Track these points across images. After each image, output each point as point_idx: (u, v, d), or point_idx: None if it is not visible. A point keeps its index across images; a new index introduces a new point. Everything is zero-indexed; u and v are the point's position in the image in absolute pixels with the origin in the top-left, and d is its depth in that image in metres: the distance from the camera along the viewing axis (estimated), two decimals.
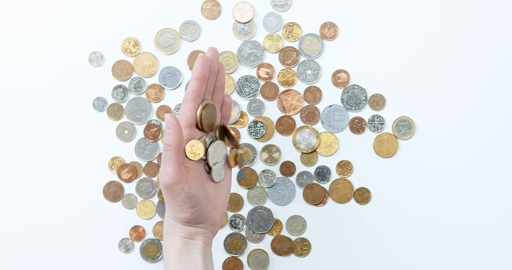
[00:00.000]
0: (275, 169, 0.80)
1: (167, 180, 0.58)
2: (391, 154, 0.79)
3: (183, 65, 0.80)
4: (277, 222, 0.80)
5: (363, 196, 0.79)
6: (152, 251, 0.80)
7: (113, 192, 0.81)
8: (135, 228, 0.80)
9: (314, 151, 0.80)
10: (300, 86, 0.80)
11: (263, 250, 0.80)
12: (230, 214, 0.80)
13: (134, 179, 0.80)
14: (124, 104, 0.80)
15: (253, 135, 0.79)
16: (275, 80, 0.80)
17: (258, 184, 0.80)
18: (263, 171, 0.79)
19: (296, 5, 0.80)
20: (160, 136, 0.80)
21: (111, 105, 0.81)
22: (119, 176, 0.80)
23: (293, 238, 0.80)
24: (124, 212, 0.81)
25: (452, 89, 0.79)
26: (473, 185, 0.79)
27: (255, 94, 0.79)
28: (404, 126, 0.79)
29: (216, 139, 0.63)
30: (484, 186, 0.79)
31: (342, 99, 0.79)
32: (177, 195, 0.59)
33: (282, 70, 0.80)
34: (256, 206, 0.80)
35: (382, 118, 0.79)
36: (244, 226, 0.80)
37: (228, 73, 0.80)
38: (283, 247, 0.79)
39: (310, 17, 0.80)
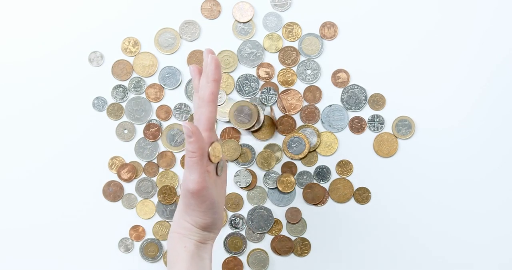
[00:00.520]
0: (276, 168, 0.80)
1: (194, 187, 0.57)
2: (391, 154, 0.79)
3: (183, 65, 0.80)
4: (277, 222, 0.80)
5: (363, 195, 0.79)
6: (152, 251, 0.80)
7: (113, 192, 0.81)
8: (135, 228, 0.80)
9: (314, 150, 0.80)
10: (300, 86, 0.80)
11: (263, 250, 0.80)
12: (230, 213, 0.80)
13: (134, 178, 0.80)
14: (124, 104, 0.80)
15: (264, 101, 0.78)
16: (275, 80, 0.80)
17: (261, 185, 0.80)
18: (267, 171, 0.79)
19: (296, 5, 0.80)
20: (160, 136, 0.80)
21: (111, 105, 0.81)
22: (119, 176, 0.80)
23: (293, 237, 0.80)
24: (124, 212, 0.81)
25: (452, 89, 0.79)
26: (474, 184, 0.79)
27: (255, 93, 0.79)
28: (404, 126, 0.79)
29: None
30: (484, 183, 0.79)
31: (342, 99, 0.79)
32: (203, 202, 0.58)
33: (282, 70, 0.80)
34: (256, 206, 0.80)
35: (382, 118, 0.79)
36: (244, 226, 0.80)
37: (228, 73, 0.80)
38: (283, 246, 0.79)
39: (310, 17, 0.80)
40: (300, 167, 0.80)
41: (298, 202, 0.80)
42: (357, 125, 0.79)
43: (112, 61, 0.81)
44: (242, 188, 0.80)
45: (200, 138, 0.57)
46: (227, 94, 0.79)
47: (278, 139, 0.80)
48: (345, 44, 0.79)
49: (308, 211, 0.80)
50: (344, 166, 0.79)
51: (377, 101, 0.79)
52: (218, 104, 0.78)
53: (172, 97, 0.81)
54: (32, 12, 0.81)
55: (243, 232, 0.80)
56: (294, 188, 0.79)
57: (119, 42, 0.81)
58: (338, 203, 0.80)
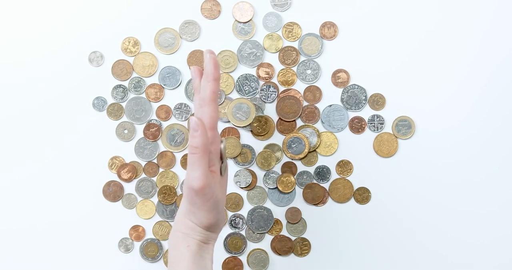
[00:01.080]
0: (276, 168, 0.80)
1: (198, 184, 0.57)
2: (391, 154, 0.79)
3: (183, 65, 0.80)
4: (277, 222, 0.80)
5: (363, 195, 0.79)
6: (152, 250, 0.80)
7: (113, 192, 0.81)
8: (135, 228, 0.80)
9: (314, 150, 0.80)
10: (300, 86, 0.80)
11: (263, 250, 0.80)
12: (230, 213, 0.80)
13: (134, 178, 0.80)
14: (124, 104, 0.80)
15: (264, 98, 0.79)
16: (275, 80, 0.80)
17: (261, 185, 0.80)
18: (267, 171, 0.79)
19: (296, 5, 0.80)
20: (160, 136, 0.80)
21: (111, 105, 0.81)
22: (119, 176, 0.80)
23: (293, 237, 0.80)
24: (124, 212, 0.81)
25: (452, 88, 0.79)
26: (474, 184, 0.79)
27: (255, 93, 0.79)
28: (404, 126, 0.79)
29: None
30: (484, 183, 0.79)
31: (342, 99, 0.79)
32: (207, 200, 0.58)
33: (282, 70, 0.80)
34: (256, 206, 0.80)
35: (382, 118, 0.79)
36: (244, 226, 0.80)
37: (228, 73, 0.80)
38: (283, 246, 0.79)
39: (310, 17, 0.80)
40: (300, 167, 0.80)
41: (298, 202, 0.80)
42: (357, 125, 0.79)
43: (112, 61, 0.81)
44: (242, 188, 0.80)
45: (205, 134, 0.57)
46: (227, 94, 0.79)
47: (278, 139, 0.80)
48: (345, 44, 0.79)
49: (308, 211, 0.80)
50: (344, 166, 0.79)
51: (377, 101, 0.79)
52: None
53: (172, 97, 0.81)
54: (32, 12, 0.81)
55: (243, 232, 0.80)
56: (294, 188, 0.79)
57: (119, 42, 0.81)
58: (338, 203, 0.80)
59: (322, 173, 0.79)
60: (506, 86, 0.79)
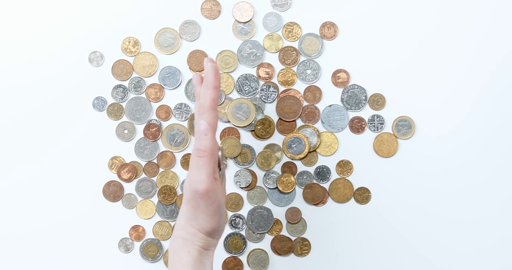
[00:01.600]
0: (276, 168, 0.80)
1: (204, 187, 0.57)
2: (391, 154, 0.79)
3: (183, 65, 0.80)
4: (277, 222, 0.80)
5: (363, 195, 0.79)
6: (152, 250, 0.80)
7: (113, 192, 0.81)
8: (135, 228, 0.80)
9: (314, 150, 0.80)
10: (300, 86, 0.80)
11: (263, 250, 0.80)
12: (230, 213, 0.80)
13: (134, 178, 0.80)
14: (124, 104, 0.80)
15: (264, 98, 0.79)
16: (275, 80, 0.80)
17: (261, 185, 0.80)
18: (267, 171, 0.79)
19: (296, 5, 0.80)
20: (160, 136, 0.80)
21: (111, 105, 0.81)
22: (119, 176, 0.80)
23: (293, 237, 0.80)
24: (124, 212, 0.81)
25: (452, 88, 0.79)
26: (473, 184, 0.79)
27: (255, 93, 0.79)
28: (404, 126, 0.79)
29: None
30: (484, 185, 0.79)
31: (342, 99, 0.79)
32: (211, 203, 0.58)
33: (282, 70, 0.80)
34: (256, 206, 0.80)
35: (382, 118, 0.79)
36: (244, 226, 0.80)
37: (228, 73, 0.80)
38: (283, 246, 0.79)
39: (310, 17, 0.80)
40: (300, 167, 0.80)
41: (298, 202, 0.80)
42: (357, 125, 0.79)
43: (112, 61, 0.81)
44: (242, 188, 0.80)
45: (214, 138, 0.57)
46: (227, 94, 0.79)
47: (278, 139, 0.80)
48: (345, 44, 0.79)
49: (308, 211, 0.80)
50: (344, 166, 0.79)
51: (377, 101, 0.79)
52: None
53: (172, 97, 0.81)
54: (32, 12, 0.81)
55: (243, 232, 0.80)
56: (294, 188, 0.79)
57: (119, 42, 0.81)
58: (338, 203, 0.80)
59: (322, 173, 0.79)
60: (506, 86, 0.79)
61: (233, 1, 0.80)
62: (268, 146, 0.80)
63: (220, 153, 0.62)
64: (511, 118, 0.79)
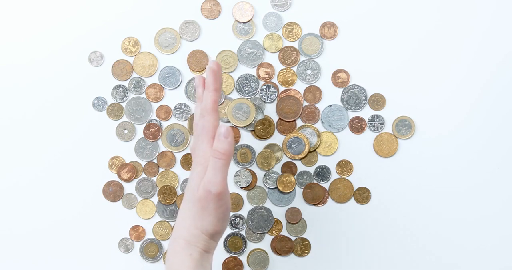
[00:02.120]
0: (276, 168, 0.80)
1: (218, 189, 0.58)
2: (391, 154, 0.79)
3: (183, 65, 0.80)
4: (277, 222, 0.80)
5: (363, 195, 0.79)
6: (152, 250, 0.80)
7: (113, 192, 0.81)
8: (135, 228, 0.80)
9: (314, 150, 0.80)
10: (300, 86, 0.80)
11: (263, 250, 0.80)
12: (230, 213, 0.80)
13: (134, 178, 0.80)
14: (124, 104, 0.81)
15: (264, 98, 0.79)
16: (275, 80, 0.80)
17: (261, 185, 0.80)
18: (267, 171, 0.79)
19: (296, 5, 0.80)
20: (160, 136, 0.80)
21: (111, 105, 0.81)
22: (119, 176, 0.80)
23: (293, 237, 0.80)
24: (124, 212, 0.81)
25: (452, 88, 0.79)
26: (473, 184, 0.79)
27: (255, 93, 0.79)
28: (404, 126, 0.79)
29: None
30: (484, 185, 0.79)
31: (342, 99, 0.79)
32: (221, 206, 0.59)
33: (282, 70, 0.80)
34: (256, 206, 0.80)
35: (382, 118, 0.79)
36: (244, 226, 0.80)
37: (228, 73, 0.80)
38: (283, 246, 0.79)
39: (310, 17, 0.80)
40: (300, 167, 0.80)
41: (298, 202, 0.80)
42: (357, 125, 0.79)
43: (112, 61, 0.81)
44: (242, 188, 0.80)
45: (233, 141, 0.58)
46: (227, 94, 0.80)
47: (278, 139, 0.80)
48: (345, 44, 0.79)
49: (308, 211, 0.80)
50: (344, 166, 0.79)
51: (377, 101, 0.79)
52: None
53: (172, 97, 0.81)
54: (32, 12, 0.81)
55: (243, 232, 0.80)
56: (294, 188, 0.79)
57: (119, 42, 0.81)
58: (338, 203, 0.80)
59: (322, 173, 0.79)
60: (506, 85, 0.79)
61: (233, 1, 0.80)
62: (268, 146, 0.80)
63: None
64: (511, 118, 0.79)
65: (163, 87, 0.80)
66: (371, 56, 0.79)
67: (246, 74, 0.79)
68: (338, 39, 0.80)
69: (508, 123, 0.79)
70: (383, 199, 0.79)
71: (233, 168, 0.80)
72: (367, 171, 0.79)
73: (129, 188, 0.81)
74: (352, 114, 0.80)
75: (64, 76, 0.81)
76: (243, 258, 0.80)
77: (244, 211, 0.80)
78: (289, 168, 0.80)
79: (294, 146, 0.79)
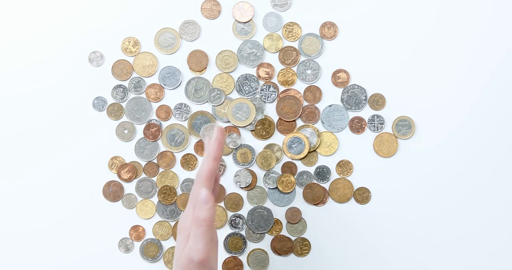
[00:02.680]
0: (276, 169, 0.80)
1: (200, 256, 0.57)
2: (391, 154, 0.79)
3: (183, 65, 0.80)
4: (277, 222, 0.80)
5: (363, 195, 0.79)
6: (152, 251, 0.80)
7: (113, 192, 0.81)
8: (135, 228, 0.80)
9: (314, 150, 0.80)
10: (300, 86, 0.80)
11: (263, 250, 0.80)
12: (230, 213, 0.80)
13: (134, 178, 0.80)
14: (124, 104, 0.80)
15: (264, 98, 0.79)
16: (275, 80, 0.80)
17: (261, 185, 0.80)
18: (267, 171, 0.79)
19: (296, 5, 0.80)
20: (160, 136, 0.80)
21: (111, 105, 0.81)
22: (119, 176, 0.80)
23: (293, 237, 0.80)
24: (124, 212, 0.81)
25: (452, 88, 0.79)
26: (473, 184, 0.79)
27: (255, 93, 0.79)
28: (404, 126, 0.79)
29: None
30: (485, 185, 0.79)
31: (342, 99, 0.79)
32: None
33: (282, 70, 0.80)
34: (256, 206, 0.80)
35: (382, 118, 0.79)
36: (244, 226, 0.80)
37: (228, 73, 0.80)
38: (283, 246, 0.79)
39: (310, 17, 0.80)
40: (300, 167, 0.80)
41: (298, 202, 0.80)
42: (357, 125, 0.79)
43: (112, 61, 0.81)
44: (242, 188, 0.80)
45: (214, 207, 0.58)
46: (227, 94, 0.80)
47: (278, 139, 0.80)
48: (345, 44, 0.79)
49: (308, 211, 0.80)
50: (344, 166, 0.79)
51: (377, 101, 0.79)
52: (217, 104, 0.79)
53: (172, 97, 0.81)
54: (31, 13, 0.81)
55: (243, 232, 0.80)
56: (294, 188, 0.79)
57: (119, 42, 0.81)
58: (338, 203, 0.80)
59: (322, 173, 0.79)
60: (506, 86, 0.79)
61: (233, 1, 0.80)
62: (268, 146, 0.80)
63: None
64: (511, 118, 0.79)
65: (163, 87, 0.80)
66: (371, 56, 0.79)
67: (246, 74, 0.79)
68: (338, 39, 0.80)
69: (508, 123, 0.79)
70: (383, 199, 0.79)
71: (233, 168, 0.80)
72: (367, 171, 0.79)
73: (129, 188, 0.81)
74: (352, 114, 0.80)
75: (64, 76, 0.81)
76: (243, 258, 0.80)
77: (244, 211, 0.80)
78: (289, 168, 0.80)
79: (294, 146, 0.79)
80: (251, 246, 0.80)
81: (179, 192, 0.80)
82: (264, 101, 0.79)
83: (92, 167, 0.81)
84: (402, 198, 0.79)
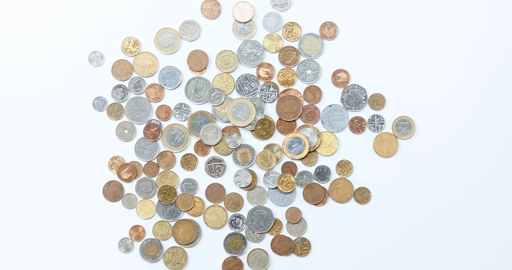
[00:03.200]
0: (276, 168, 0.80)
1: None
2: (391, 154, 0.79)
3: (183, 65, 0.80)
4: (277, 222, 0.80)
5: (363, 195, 0.79)
6: (152, 251, 0.80)
7: (113, 192, 0.81)
8: (135, 228, 0.80)
9: (314, 150, 0.80)
10: (300, 86, 0.80)
11: (263, 250, 0.80)
12: (230, 213, 0.80)
13: (134, 178, 0.80)
14: (124, 104, 0.80)
15: (264, 98, 0.79)
16: (275, 80, 0.80)
17: (261, 185, 0.80)
18: (268, 171, 0.79)
19: (296, 5, 0.80)
20: (160, 136, 0.80)
21: (111, 105, 0.81)
22: (119, 176, 0.80)
23: (293, 237, 0.80)
24: (124, 212, 0.81)
25: (451, 88, 0.79)
26: (473, 185, 0.79)
27: (255, 93, 0.79)
28: (404, 126, 0.79)
29: None
30: (484, 185, 0.79)
31: (342, 99, 0.79)
32: None
33: (282, 70, 0.80)
34: (256, 206, 0.80)
35: (382, 118, 0.79)
36: (244, 226, 0.80)
37: (228, 73, 0.80)
38: (283, 246, 0.79)
39: (310, 16, 0.80)
40: (300, 167, 0.80)
41: (298, 202, 0.80)
42: (357, 125, 0.79)
43: (112, 61, 0.81)
44: (242, 188, 0.80)
45: None
46: (227, 94, 0.80)
47: (278, 139, 0.80)
48: (345, 44, 0.79)
49: (308, 211, 0.80)
50: (344, 166, 0.79)
51: (377, 101, 0.79)
52: (217, 104, 0.79)
53: (172, 97, 0.81)
54: (31, 12, 0.81)
55: (243, 232, 0.80)
56: (294, 188, 0.79)
57: (119, 42, 0.81)
58: (338, 203, 0.80)
59: (322, 173, 0.79)
60: (506, 86, 0.79)
61: (233, 1, 0.80)
62: (268, 146, 0.80)
63: None
64: (511, 118, 0.79)
65: (163, 87, 0.80)
66: (371, 56, 0.79)
67: (246, 74, 0.80)
68: (338, 39, 0.80)
69: (508, 123, 0.79)
70: (383, 199, 0.79)
71: (233, 168, 0.80)
72: (367, 171, 0.79)
73: (129, 188, 0.81)
74: (352, 114, 0.80)
75: (64, 76, 0.81)
76: (243, 258, 0.80)
77: (244, 211, 0.80)
78: (289, 168, 0.80)
79: (294, 146, 0.79)
80: (251, 246, 0.80)
81: (179, 192, 0.80)
82: (264, 101, 0.79)
83: (92, 167, 0.81)
84: (402, 198, 0.79)
